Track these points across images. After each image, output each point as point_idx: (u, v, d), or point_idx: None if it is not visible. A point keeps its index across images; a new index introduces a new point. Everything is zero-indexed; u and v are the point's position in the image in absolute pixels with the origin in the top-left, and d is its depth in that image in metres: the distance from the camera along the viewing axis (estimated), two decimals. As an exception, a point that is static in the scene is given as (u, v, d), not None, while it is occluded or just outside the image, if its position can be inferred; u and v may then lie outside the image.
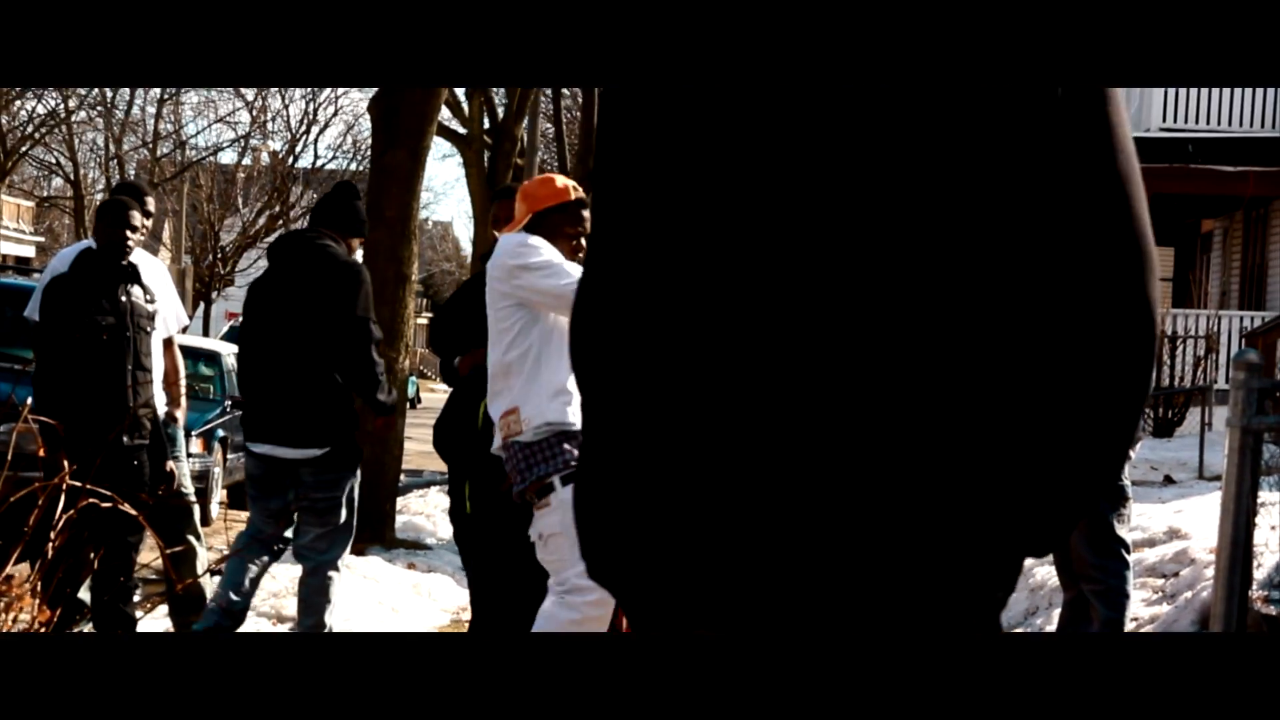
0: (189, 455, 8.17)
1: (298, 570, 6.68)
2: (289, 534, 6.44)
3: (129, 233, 6.19)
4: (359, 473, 6.40)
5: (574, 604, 4.72)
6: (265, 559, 6.39)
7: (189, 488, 7.17)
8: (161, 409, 6.67)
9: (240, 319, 6.70)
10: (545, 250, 4.85)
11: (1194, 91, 19.50)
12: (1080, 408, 1.60)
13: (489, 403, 5.02)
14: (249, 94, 39.78)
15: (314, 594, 6.27)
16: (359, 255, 6.82)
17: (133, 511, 4.11)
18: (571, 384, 4.68)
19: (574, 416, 4.71)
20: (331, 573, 6.29)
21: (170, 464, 6.55)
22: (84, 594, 6.17)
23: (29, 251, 44.64)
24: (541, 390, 4.76)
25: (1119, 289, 1.59)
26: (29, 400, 5.78)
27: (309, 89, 39.79)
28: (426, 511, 12.68)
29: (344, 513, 6.28)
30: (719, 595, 1.61)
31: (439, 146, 34.88)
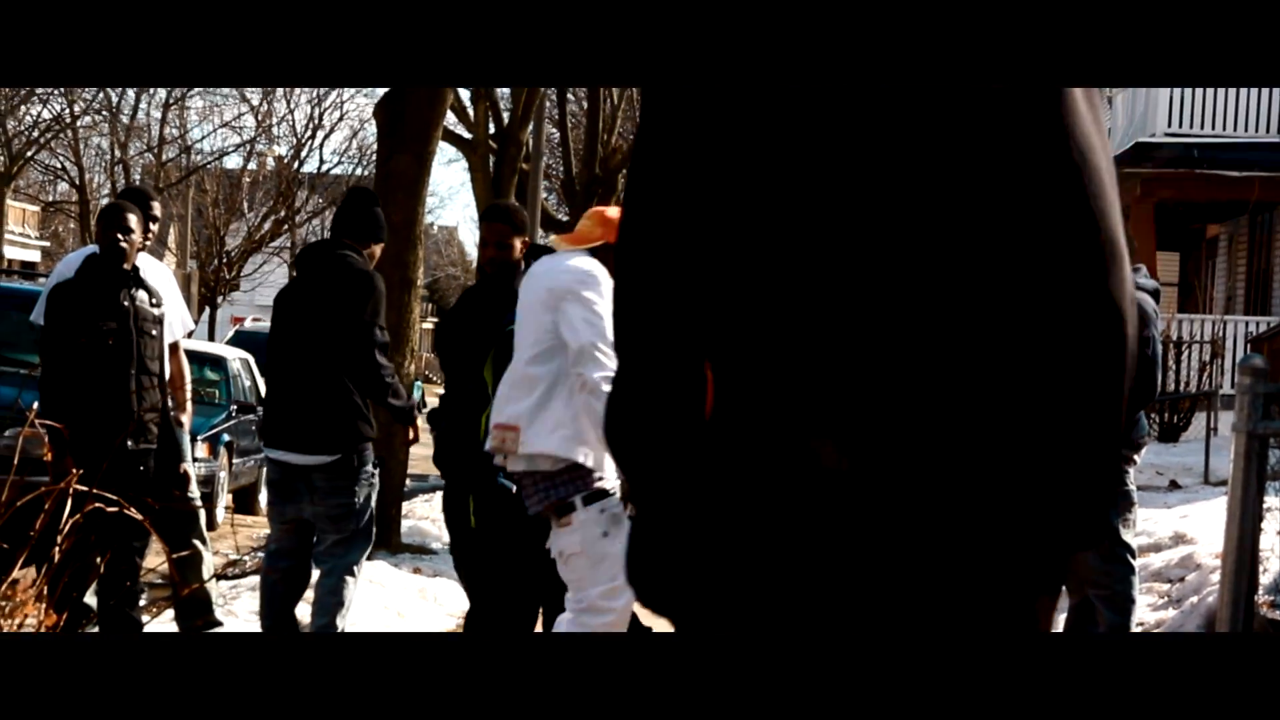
0: (195, 460, 8.18)
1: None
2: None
3: (119, 235, 6.21)
4: (376, 478, 6.41)
5: (588, 624, 4.87)
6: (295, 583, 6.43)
7: (195, 492, 7.18)
8: (168, 413, 6.69)
9: (244, 324, 6.73)
10: (606, 294, 4.90)
11: (1199, 96, 19.47)
12: (1061, 405, 1.62)
13: (496, 405, 5.07)
14: (254, 98, 39.84)
15: (327, 594, 6.28)
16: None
17: (138, 516, 4.12)
18: (572, 419, 4.84)
19: (570, 450, 4.85)
20: (348, 576, 6.30)
21: (184, 466, 6.56)
22: (90, 598, 6.18)
23: (34, 256, 44.74)
24: (546, 420, 4.89)
25: (1083, 286, 1.61)
26: (35, 405, 5.80)
27: (314, 93, 39.85)
28: (432, 516, 12.67)
29: (360, 518, 6.29)
30: (761, 601, 1.63)
31: (444, 151, 34.92)
